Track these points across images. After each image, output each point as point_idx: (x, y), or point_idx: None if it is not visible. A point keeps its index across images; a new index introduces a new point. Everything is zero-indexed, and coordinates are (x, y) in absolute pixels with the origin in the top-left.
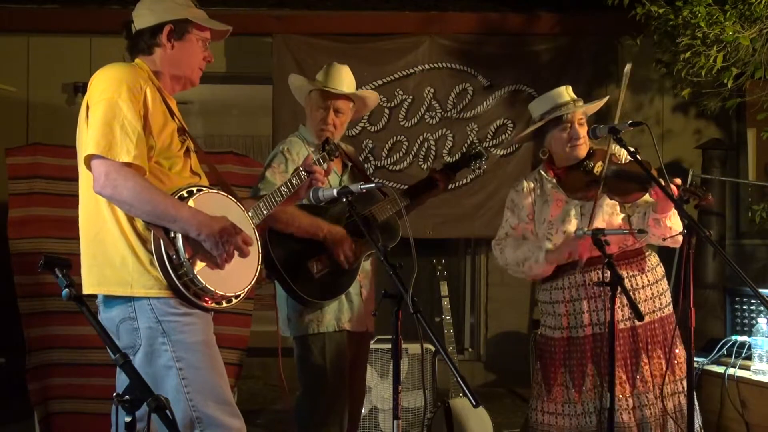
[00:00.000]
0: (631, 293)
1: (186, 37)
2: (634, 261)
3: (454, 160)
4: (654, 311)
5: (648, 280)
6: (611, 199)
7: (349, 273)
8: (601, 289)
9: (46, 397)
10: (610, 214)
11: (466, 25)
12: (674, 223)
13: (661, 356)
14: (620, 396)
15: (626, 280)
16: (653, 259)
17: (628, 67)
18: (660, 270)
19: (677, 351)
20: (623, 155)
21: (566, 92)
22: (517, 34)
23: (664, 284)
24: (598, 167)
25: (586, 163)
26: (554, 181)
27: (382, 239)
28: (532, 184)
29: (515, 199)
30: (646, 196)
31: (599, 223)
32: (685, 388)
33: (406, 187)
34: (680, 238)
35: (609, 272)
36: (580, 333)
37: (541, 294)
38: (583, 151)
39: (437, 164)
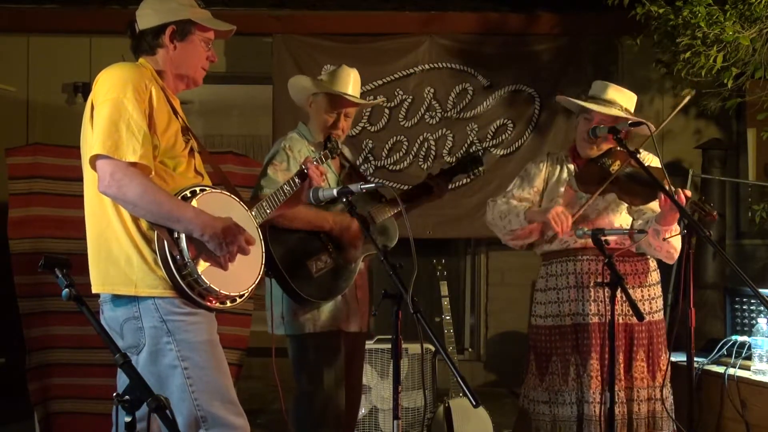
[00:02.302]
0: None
1: (188, 37)
2: (629, 261)
3: (450, 165)
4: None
5: (640, 282)
6: (620, 199)
7: (347, 273)
8: (592, 280)
9: (46, 397)
10: (614, 211)
11: (466, 25)
12: (673, 239)
13: (644, 359)
14: (593, 389)
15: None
16: (651, 264)
17: (689, 94)
18: (655, 275)
19: (662, 357)
20: (647, 161)
21: (611, 92)
22: (517, 34)
23: (657, 290)
24: (616, 165)
25: (605, 160)
26: (573, 171)
27: (379, 241)
28: (551, 164)
29: (530, 170)
30: (654, 205)
31: (602, 218)
32: (664, 396)
33: (404, 189)
34: (675, 253)
35: (610, 272)
36: (566, 321)
37: (538, 281)
38: (590, 152)
39: (435, 168)
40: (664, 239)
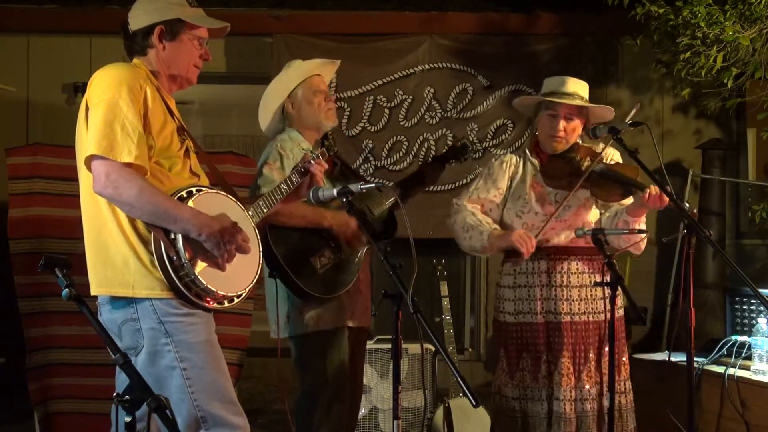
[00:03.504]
0: (584, 290)
1: (178, 37)
2: (596, 260)
3: (442, 153)
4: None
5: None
6: (593, 195)
7: (351, 266)
8: (563, 279)
9: (46, 397)
10: (587, 207)
11: (466, 25)
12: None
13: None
14: (564, 387)
15: (580, 276)
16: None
17: (636, 108)
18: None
19: (624, 351)
20: (610, 156)
21: (571, 84)
22: (517, 34)
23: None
24: (587, 161)
25: (572, 156)
26: (537, 165)
27: (381, 233)
28: (515, 159)
29: (493, 169)
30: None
31: (575, 215)
32: (628, 390)
33: (398, 181)
34: (642, 244)
35: (609, 272)
36: (538, 319)
37: (504, 278)
38: (558, 147)
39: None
40: (639, 233)
